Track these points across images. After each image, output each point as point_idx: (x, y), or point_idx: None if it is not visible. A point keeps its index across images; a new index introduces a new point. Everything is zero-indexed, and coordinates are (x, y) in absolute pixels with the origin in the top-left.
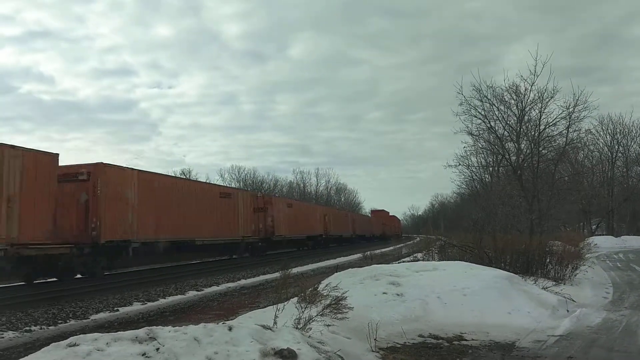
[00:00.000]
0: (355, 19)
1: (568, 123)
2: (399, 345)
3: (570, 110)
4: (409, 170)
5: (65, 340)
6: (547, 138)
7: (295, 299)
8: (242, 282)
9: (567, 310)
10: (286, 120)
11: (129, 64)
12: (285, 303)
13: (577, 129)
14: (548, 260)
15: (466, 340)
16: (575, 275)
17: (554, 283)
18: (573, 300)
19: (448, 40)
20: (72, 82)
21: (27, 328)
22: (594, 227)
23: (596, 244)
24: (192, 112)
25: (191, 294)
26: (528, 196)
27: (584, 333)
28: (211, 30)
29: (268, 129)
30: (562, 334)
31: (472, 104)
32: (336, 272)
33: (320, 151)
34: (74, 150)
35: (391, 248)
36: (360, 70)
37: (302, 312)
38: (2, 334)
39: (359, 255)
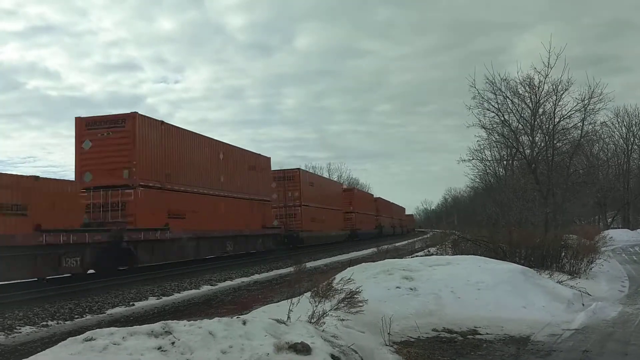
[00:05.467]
0: (361, 8)
1: (583, 115)
2: (413, 340)
3: (585, 102)
4: (420, 164)
5: (81, 335)
6: (561, 131)
7: (308, 294)
8: (256, 276)
9: (583, 304)
10: (294, 113)
11: (134, 59)
12: (299, 297)
13: (592, 121)
14: (563, 254)
15: (480, 334)
16: (591, 269)
17: (569, 277)
18: (588, 294)
19: (457, 29)
20: (78, 77)
21: (44, 323)
22: (609, 220)
23: (612, 237)
24: (199, 107)
25: (205, 288)
26: (543, 190)
27: (599, 327)
28: (215, 23)
29: (276, 123)
30: (578, 328)
31: (485, 97)
32: (349, 266)
33: (330, 145)
34: None
35: (404, 243)
36: (368, 61)
37: (316, 306)
38: (20, 328)
39: (372, 249)
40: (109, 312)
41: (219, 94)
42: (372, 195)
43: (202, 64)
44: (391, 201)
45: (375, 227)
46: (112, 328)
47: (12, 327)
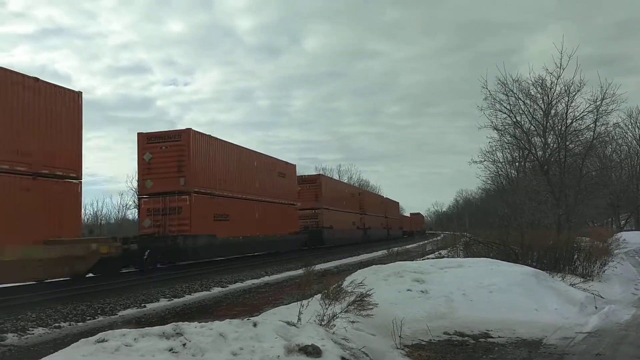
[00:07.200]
0: (369, 9)
1: (595, 117)
2: (424, 343)
3: (598, 103)
4: (431, 166)
5: (94, 336)
6: (574, 132)
7: (318, 296)
8: (266, 278)
9: (596, 307)
10: (303, 115)
11: (144, 61)
12: (309, 300)
13: (604, 122)
14: (576, 256)
15: (492, 337)
16: (604, 272)
17: (582, 279)
18: (601, 297)
19: (466, 30)
20: (89, 80)
21: (57, 324)
22: (622, 222)
23: (625, 240)
24: (209, 108)
25: (216, 290)
26: (555, 191)
27: (612, 330)
28: (224, 25)
29: (285, 124)
30: (591, 331)
31: (497, 98)
32: (360, 268)
33: (340, 147)
34: (96, 149)
35: (415, 245)
36: (376, 62)
37: (326, 308)
38: (32, 330)
39: (383, 251)
40: (120, 313)
41: (228, 96)
42: (292, 165)
43: (212, 66)
44: (373, 191)
45: (303, 229)
46: (124, 329)
47: (24, 328)
